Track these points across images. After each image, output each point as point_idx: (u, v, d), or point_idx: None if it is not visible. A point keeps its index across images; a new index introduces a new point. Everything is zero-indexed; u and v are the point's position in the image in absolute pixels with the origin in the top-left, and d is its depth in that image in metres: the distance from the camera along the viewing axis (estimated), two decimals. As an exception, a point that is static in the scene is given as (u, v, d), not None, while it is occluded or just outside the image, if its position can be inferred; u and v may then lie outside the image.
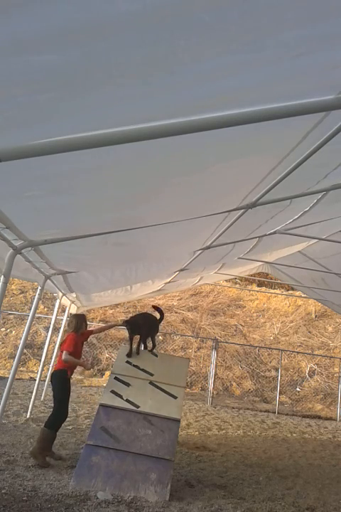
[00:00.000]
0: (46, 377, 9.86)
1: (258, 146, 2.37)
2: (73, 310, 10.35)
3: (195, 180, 2.76)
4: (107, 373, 13.13)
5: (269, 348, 15.67)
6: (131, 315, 6.68)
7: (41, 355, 9.69)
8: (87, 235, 3.33)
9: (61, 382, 5.61)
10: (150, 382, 5.95)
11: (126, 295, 9.23)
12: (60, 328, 10.71)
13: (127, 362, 6.34)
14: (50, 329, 8.57)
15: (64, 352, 5.59)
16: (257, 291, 18.73)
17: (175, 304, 17.44)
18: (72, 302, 9.27)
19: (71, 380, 5.82)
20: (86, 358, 5.70)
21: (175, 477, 5.39)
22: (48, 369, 10.29)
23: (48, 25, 1.09)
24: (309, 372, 15.35)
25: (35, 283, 5.47)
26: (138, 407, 5.52)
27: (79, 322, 5.87)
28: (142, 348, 6.49)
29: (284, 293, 18.39)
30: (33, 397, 7.85)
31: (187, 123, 1.63)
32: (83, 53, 1.22)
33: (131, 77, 1.39)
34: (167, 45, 1.27)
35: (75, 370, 6.62)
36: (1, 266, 3.41)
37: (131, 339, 6.36)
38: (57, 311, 8.68)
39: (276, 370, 14.52)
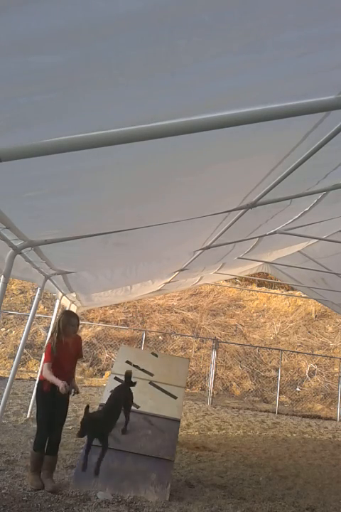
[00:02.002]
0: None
1: (258, 146, 2.37)
2: (73, 310, 10.34)
3: (195, 180, 2.76)
4: (107, 373, 13.13)
5: (269, 348, 15.67)
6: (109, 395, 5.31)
7: (41, 355, 9.68)
8: (87, 235, 3.33)
9: (37, 394, 4.87)
10: (150, 382, 5.96)
11: (126, 295, 9.22)
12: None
13: (127, 362, 6.35)
14: (50, 329, 8.56)
15: (45, 364, 4.74)
16: (257, 291, 18.74)
17: (175, 303, 17.44)
18: (72, 302, 9.26)
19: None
20: (67, 382, 4.59)
21: (175, 477, 5.39)
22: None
23: (48, 25, 1.09)
24: (309, 372, 15.35)
25: (35, 283, 5.46)
26: (138, 407, 5.53)
27: (60, 324, 4.79)
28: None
29: (284, 293, 18.39)
30: (33, 397, 7.84)
31: (188, 123, 1.63)
32: (83, 53, 1.22)
33: (131, 77, 1.39)
34: (167, 45, 1.27)
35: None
36: (1, 266, 3.41)
37: (88, 448, 4.94)
38: (57, 311, 8.67)
39: (276, 370, 14.52)
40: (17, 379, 11.20)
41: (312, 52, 1.47)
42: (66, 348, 4.80)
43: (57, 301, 8.14)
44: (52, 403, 4.69)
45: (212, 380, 13.02)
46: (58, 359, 4.70)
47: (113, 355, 13.93)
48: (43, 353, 5.10)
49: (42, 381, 4.75)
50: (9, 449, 5.73)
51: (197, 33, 1.24)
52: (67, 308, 7.81)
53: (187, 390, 13.01)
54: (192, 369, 14.38)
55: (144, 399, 5.67)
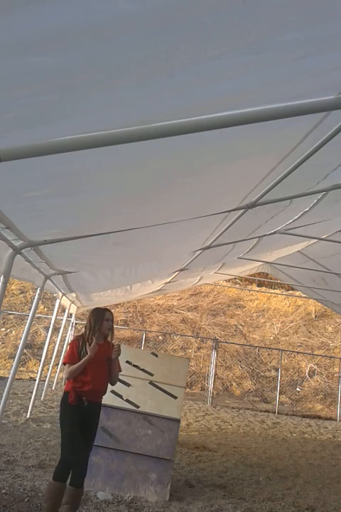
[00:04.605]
0: (46, 377, 9.87)
1: (258, 146, 2.37)
2: (73, 310, 10.36)
3: (195, 180, 2.76)
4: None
5: (269, 348, 15.68)
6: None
7: (41, 355, 9.69)
8: (87, 235, 3.33)
9: (61, 410, 3.88)
10: (150, 382, 5.95)
11: (126, 295, 9.23)
12: (59, 328, 10.72)
13: (127, 362, 6.34)
14: (50, 329, 8.57)
15: (65, 367, 3.90)
16: (257, 291, 18.74)
17: (175, 303, 17.44)
18: (72, 302, 9.27)
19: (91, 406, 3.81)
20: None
21: (175, 477, 5.39)
22: (48, 369, 10.30)
23: (48, 27, 1.09)
24: (309, 372, 15.35)
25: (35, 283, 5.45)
26: (138, 407, 5.53)
27: (91, 321, 3.93)
28: None
29: (284, 293, 18.40)
30: (33, 397, 7.85)
31: (188, 123, 1.63)
32: (83, 55, 1.22)
33: (131, 78, 1.39)
34: (167, 46, 1.27)
35: None
36: (1, 266, 3.41)
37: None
38: (57, 311, 8.68)
39: (276, 370, 14.53)
40: (17, 379, 11.21)
41: (312, 53, 1.48)
42: (100, 352, 3.83)
43: (57, 301, 8.15)
44: (79, 419, 3.76)
45: (212, 380, 13.03)
46: (89, 364, 3.77)
47: (113, 355, 13.92)
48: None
49: (68, 392, 3.80)
50: (9, 449, 5.72)
51: (197, 35, 1.24)
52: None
53: (187, 390, 13.02)
54: (192, 369, 14.39)
55: (144, 399, 5.67)
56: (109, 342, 4.01)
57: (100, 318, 3.89)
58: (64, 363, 3.97)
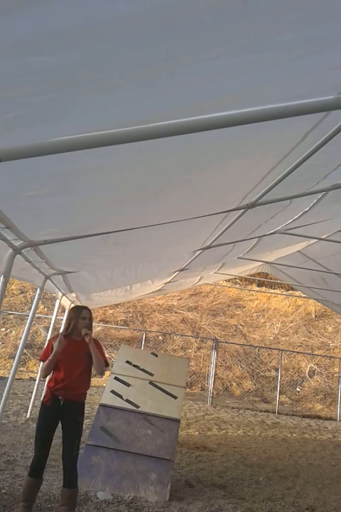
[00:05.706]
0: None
1: (258, 146, 2.37)
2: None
3: (194, 180, 2.76)
4: (107, 373, 13.14)
5: (269, 348, 15.68)
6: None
7: (41, 355, 9.68)
8: (87, 235, 3.33)
9: (40, 409, 4.02)
10: (150, 382, 5.96)
11: (126, 295, 9.23)
12: (59, 328, 10.72)
13: (127, 362, 6.35)
14: (50, 329, 8.57)
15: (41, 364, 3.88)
16: (257, 291, 18.74)
17: (175, 303, 17.44)
18: (72, 302, 9.27)
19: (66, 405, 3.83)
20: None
21: (175, 477, 5.39)
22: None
23: (48, 27, 1.09)
24: (309, 372, 15.35)
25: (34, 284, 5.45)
26: (138, 407, 5.53)
27: (68, 318, 4.05)
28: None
29: (284, 293, 18.40)
30: (33, 397, 7.85)
31: (188, 123, 1.63)
32: (83, 54, 1.22)
33: (131, 78, 1.39)
34: (167, 46, 1.27)
35: None
36: (1, 266, 3.41)
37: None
38: (57, 311, 8.68)
39: (276, 370, 14.53)
40: (17, 379, 11.21)
41: (312, 53, 1.48)
42: (76, 349, 3.91)
43: (57, 301, 8.15)
44: (51, 419, 3.87)
45: (212, 380, 13.03)
46: (62, 361, 3.86)
47: (113, 355, 13.93)
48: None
49: (46, 390, 3.99)
50: (9, 449, 5.73)
51: (197, 35, 1.24)
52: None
53: (187, 390, 13.02)
54: (192, 369, 14.39)
55: (144, 399, 5.68)
56: (94, 340, 4.04)
57: (76, 316, 3.94)
58: (40, 360, 4.08)
